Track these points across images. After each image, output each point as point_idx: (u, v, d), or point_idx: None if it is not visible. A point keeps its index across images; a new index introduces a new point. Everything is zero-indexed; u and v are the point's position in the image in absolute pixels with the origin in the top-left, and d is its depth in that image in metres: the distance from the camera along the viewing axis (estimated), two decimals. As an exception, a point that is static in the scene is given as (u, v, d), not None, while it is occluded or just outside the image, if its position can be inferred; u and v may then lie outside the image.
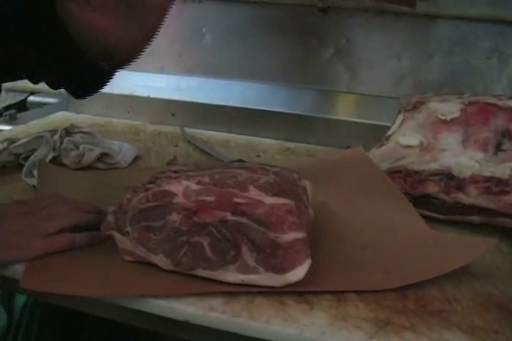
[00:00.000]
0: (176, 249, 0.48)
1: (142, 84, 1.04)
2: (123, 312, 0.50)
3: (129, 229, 0.50)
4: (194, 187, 0.49)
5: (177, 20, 1.00)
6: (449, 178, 0.63)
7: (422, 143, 0.69)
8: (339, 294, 0.48)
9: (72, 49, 0.58)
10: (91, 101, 1.04)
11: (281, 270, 0.46)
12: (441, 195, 0.63)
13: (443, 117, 0.69)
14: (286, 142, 0.97)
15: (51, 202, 0.57)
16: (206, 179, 0.50)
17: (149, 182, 0.52)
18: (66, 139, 0.79)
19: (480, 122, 0.67)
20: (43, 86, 0.71)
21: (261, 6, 0.96)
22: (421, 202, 0.64)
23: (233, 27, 0.99)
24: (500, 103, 0.67)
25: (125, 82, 1.01)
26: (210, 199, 0.47)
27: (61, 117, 1.07)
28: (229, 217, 0.46)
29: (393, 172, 0.66)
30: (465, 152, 0.65)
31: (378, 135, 0.76)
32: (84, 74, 0.62)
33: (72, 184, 0.71)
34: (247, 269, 0.46)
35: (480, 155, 0.64)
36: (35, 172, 0.72)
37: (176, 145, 0.93)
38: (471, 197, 0.61)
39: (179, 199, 0.48)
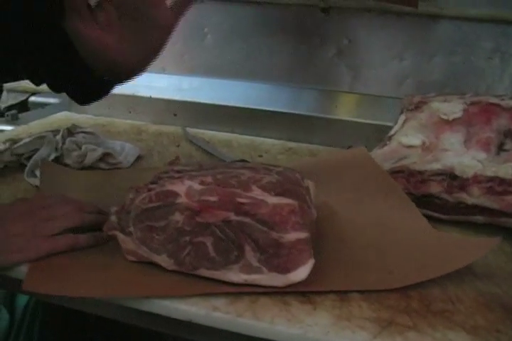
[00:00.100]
0: (179, 249, 0.48)
1: (144, 84, 1.04)
2: (126, 312, 0.50)
3: (131, 229, 0.50)
4: (197, 187, 0.49)
5: (179, 20, 1.00)
6: (451, 178, 0.62)
7: (424, 143, 0.69)
8: (342, 294, 0.48)
9: (77, 62, 0.58)
10: (93, 102, 1.04)
11: (285, 270, 0.46)
12: (444, 195, 0.63)
13: (445, 117, 0.69)
14: (289, 142, 0.97)
15: (54, 202, 0.57)
16: (209, 179, 0.50)
17: (152, 182, 0.52)
18: (68, 139, 0.79)
19: (482, 122, 0.67)
20: (44, 86, 0.71)
21: (263, 6, 0.96)
22: (423, 201, 0.64)
23: (235, 27, 0.99)
24: (502, 103, 0.67)
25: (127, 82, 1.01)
26: (213, 199, 0.47)
27: (63, 117, 1.07)
28: (232, 216, 0.46)
29: (395, 172, 0.66)
30: (467, 152, 0.65)
31: (380, 135, 0.76)
32: (87, 83, 0.62)
33: (74, 184, 0.71)
34: (250, 269, 0.46)
35: (482, 155, 0.64)
36: (37, 173, 0.72)
37: (178, 146, 0.93)
38: (474, 197, 0.61)
39: (182, 200, 0.48)
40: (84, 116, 1.07)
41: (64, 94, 0.66)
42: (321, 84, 0.98)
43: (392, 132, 0.73)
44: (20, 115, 1.08)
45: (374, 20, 0.91)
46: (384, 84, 0.94)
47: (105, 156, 0.79)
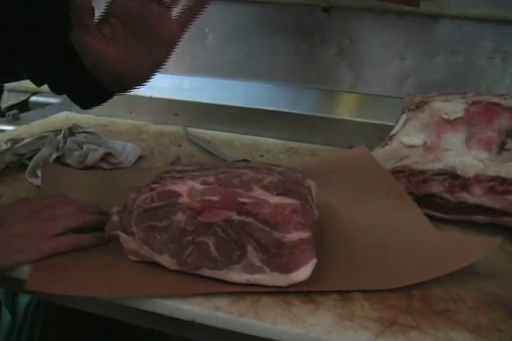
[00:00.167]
0: (182, 249, 0.48)
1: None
2: (128, 312, 0.50)
3: (134, 229, 0.50)
4: (199, 187, 0.49)
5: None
6: (453, 178, 0.62)
7: (425, 142, 0.69)
8: (344, 293, 0.48)
9: (79, 69, 0.59)
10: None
11: (287, 270, 0.46)
12: (446, 195, 0.63)
13: (447, 117, 0.69)
14: (290, 142, 0.97)
15: (56, 202, 0.57)
16: (211, 179, 0.50)
17: (154, 182, 0.52)
18: (70, 139, 0.79)
19: (484, 122, 0.67)
20: (45, 86, 0.71)
21: (264, 5, 0.96)
22: (425, 201, 0.64)
23: (236, 27, 0.99)
24: (504, 102, 0.67)
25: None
26: (215, 199, 0.47)
27: (64, 117, 1.07)
28: (234, 216, 0.47)
29: (397, 172, 0.66)
30: (469, 151, 0.65)
31: (382, 135, 0.76)
32: (88, 88, 0.63)
33: (76, 184, 0.71)
34: (252, 269, 0.46)
35: (484, 155, 0.64)
36: (38, 173, 0.72)
37: (180, 145, 0.93)
38: (476, 196, 0.61)
39: (184, 199, 0.48)
40: (86, 116, 1.07)
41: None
42: (322, 83, 0.98)
43: (393, 132, 0.73)
44: (21, 115, 1.08)
45: (375, 20, 0.91)
46: (385, 83, 0.94)
47: (107, 156, 0.79)
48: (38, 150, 0.77)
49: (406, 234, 0.57)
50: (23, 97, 1.42)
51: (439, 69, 0.91)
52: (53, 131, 0.81)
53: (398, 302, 0.47)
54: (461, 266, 0.49)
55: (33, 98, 1.26)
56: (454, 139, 0.67)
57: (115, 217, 0.52)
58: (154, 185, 0.51)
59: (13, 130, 0.98)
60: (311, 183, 0.58)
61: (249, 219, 0.46)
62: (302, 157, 0.89)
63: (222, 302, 0.46)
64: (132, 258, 0.51)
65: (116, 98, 0.66)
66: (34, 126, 1.00)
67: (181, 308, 0.46)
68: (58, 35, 0.57)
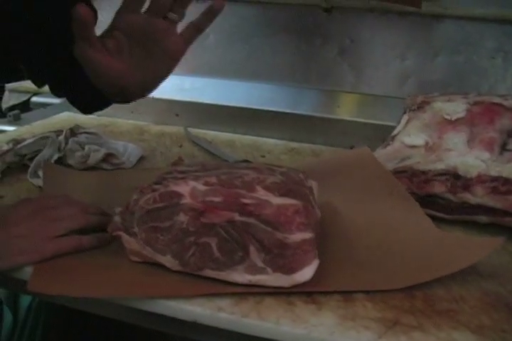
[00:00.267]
0: (184, 250, 0.48)
1: (146, 84, 1.04)
2: (130, 312, 0.50)
3: (136, 229, 0.50)
4: (201, 187, 0.49)
5: (180, 20, 1.01)
6: (455, 178, 0.62)
7: (427, 143, 0.69)
8: (347, 294, 0.48)
9: (83, 81, 0.59)
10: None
11: (290, 270, 0.46)
12: (448, 195, 0.63)
13: (448, 117, 0.69)
14: (291, 142, 0.97)
15: (58, 203, 0.57)
16: (213, 179, 0.50)
17: (156, 183, 0.52)
18: (71, 140, 0.79)
19: (485, 122, 0.67)
20: (46, 87, 0.72)
21: (265, 6, 0.96)
22: (427, 201, 0.64)
23: (237, 27, 0.99)
24: (505, 103, 0.67)
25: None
26: (217, 199, 0.47)
27: (65, 117, 1.07)
28: (236, 217, 0.47)
29: (399, 172, 0.66)
30: (471, 152, 0.65)
31: (383, 135, 0.76)
32: (89, 96, 0.63)
33: (77, 184, 0.71)
34: (255, 270, 0.46)
35: (486, 155, 0.64)
36: (40, 173, 0.72)
37: (181, 146, 0.93)
38: (478, 196, 0.61)
39: (186, 200, 0.48)
40: (87, 117, 1.05)
41: (65, 95, 0.67)
42: (323, 84, 0.98)
43: (395, 132, 0.73)
44: (22, 115, 1.08)
45: (377, 20, 0.91)
46: (386, 84, 0.94)
47: (108, 157, 0.79)
48: (40, 150, 0.77)
49: (408, 234, 0.57)
50: (24, 98, 1.42)
51: (440, 70, 0.91)
52: (55, 132, 0.81)
53: (400, 303, 0.47)
54: (463, 266, 0.49)
55: (34, 98, 1.26)
56: (456, 139, 0.67)
57: (117, 218, 0.52)
58: (156, 186, 0.51)
59: (14, 130, 0.98)
60: (313, 184, 0.58)
61: (251, 220, 0.46)
62: (304, 157, 0.89)
63: (225, 303, 0.46)
64: (134, 259, 0.51)
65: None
66: (35, 127, 1.00)
67: (184, 309, 0.46)
68: (62, 47, 0.57)
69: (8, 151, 0.76)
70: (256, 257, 0.46)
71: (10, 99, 1.45)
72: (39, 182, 0.71)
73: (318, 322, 0.44)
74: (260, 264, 0.46)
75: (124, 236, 0.51)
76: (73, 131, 0.82)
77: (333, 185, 0.66)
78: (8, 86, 1.44)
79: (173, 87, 1.04)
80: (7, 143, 0.78)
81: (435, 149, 0.67)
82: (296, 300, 0.47)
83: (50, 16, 0.61)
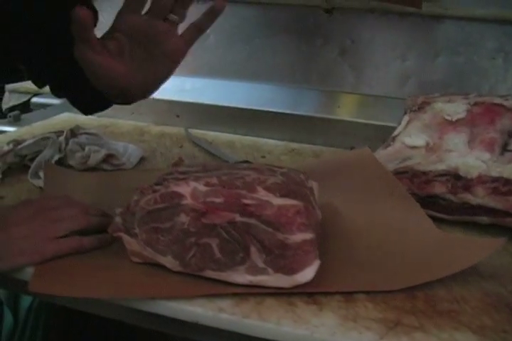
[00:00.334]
0: (185, 251, 0.48)
1: (146, 85, 1.04)
2: (131, 313, 0.50)
3: (137, 230, 0.50)
4: (202, 188, 0.49)
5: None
6: (455, 179, 0.62)
7: (428, 143, 0.69)
8: (348, 295, 0.48)
9: (83, 82, 0.59)
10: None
11: (290, 271, 0.46)
12: (449, 196, 0.63)
13: (449, 118, 0.69)
14: (291, 143, 0.97)
15: (59, 204, 0.57)
16: (214, 180, 0.50)
17: (156, 184, 0.52)
18: (72, 140, 0.79)
19: (486, 122, 0.67)
20: (47, 88, 0.72)
21: (265, 6, 0.96)
22: (428, 202, 0.64)
23: (238, 28, 0.99)
24: (506, 103, 0.67)
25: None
26: (218, 200, 0.47)
27: (66, 118, 1.07)
28: (237, 218, 0.46)
29: (400, 173, 0.66)
30: (471, 152, 0.65)
31: (383, 136, 0.76)
32: (90, 97, 0.63)
33: (78, 185, 0.71)
34: (256, 270, 0.46)
35: (486, 156, 0.64)
36: (41, 174, 0.72)
37: (181, 147, 0.93)
38: (479, 197, 0.61)
39: (187, 201, 0.48)
40: (87, 117, 1.05)
41: (66, 96, 0.68)
42: (324, 84, 0.98)
43: (395, 133, 0.73)
44: (22, 116, 1.08)
45: (377, 21, 0.91)
46: (387, 84, 0.94)
47: (108, 157, 0.79)
48: (40, 151, 0.77)
49: (409, 234, 0.57)
50: (24, 98, 1.42)
51: (441, 70, 0.91)
52: (55, 133, 0.81)
53: (402, 303, 0.47)
54: (464, 267, 0.49)
55: (35, 99, 1.26)
56: (457, 140, 0.67)
57: (118, 219, 0.52)
58: (157, 187, 0.51)
59: (14, 131, 0.98)
60: (314, 184, 0.58)
61: (252, 221, 0.46)
62: (304, 158, 0.89)
63: (226, 303, 0.46)
64: (135, 259, 0.51)
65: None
66: (36, 127, 1.00)
67: (185, 310, 0.46)
68: (62, 48, 0.57)
69: (8, 152, 0.76)
70: (257, 258, 0.46)
71: (10, 100, 1.45)
72: (40, 182, 0.71)
73: (319, 322, 0.44)
74: (261, 265, 0.46)
75: (125, 237, 0.51)
76: (73, 132, 0.82)
77: (333, 185, 0.66)
78: (8, 87, 1.44)
79: (173, 88, 1.04)
80: (7, 143, 0.78)
81: (436, 150, 0.67)
82: (297, 300, 0.46)
83: (50, 17, 0.61)
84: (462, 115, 0.68)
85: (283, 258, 0.46)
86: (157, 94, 1.04)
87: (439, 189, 0.63)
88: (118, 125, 1.04)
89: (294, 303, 0.46)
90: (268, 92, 0.99)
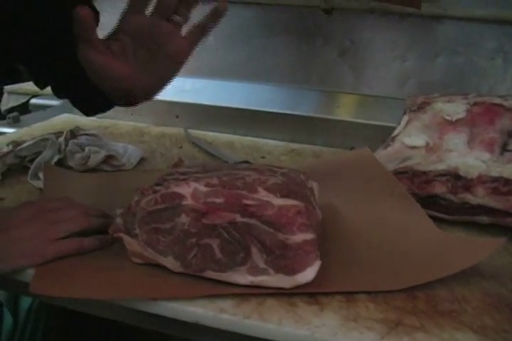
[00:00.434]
0: (186, 251, 0.48)
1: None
2: (132, 314, 0.50)
3: (137, 231, 0.50)
4: (202, 188, 0.49)
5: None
6: (456, 179, 0.62)
7: (427, 143, 0.69)
8: (349, 295, 0.48)
9: (85, 82, 0.59)
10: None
11: (291, 271, 0.46)
12: (449, 196, 0.63)
13: (448, 118, 0.69)
14: (291, 143, 0.96)
15: (60, 206, 0.57)
16: (214, 181, 0.50)
17: (157, 184, 0.52)
18: (71, 141, 0.79)
19: (486, 122, 0.67)
20: (47, 89, 0.72)
21: (265, 7, 0.96)
22: (428, 202, 0.64)
23: (238, 28, 0.99)
24: (505, 103, 0.67)
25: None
26: (218, 201, 0.47)
27: (65, 119, 1.07)
28: (238, 218, 0.46)
29: (400, 173, 0.66)
30: (471, 152, 0.65)
31: (383, 136, 0.76)
32: (92, 98, 0.63)
33: (77, 186, 0.71)
34: (256, 271, 0.46)
35: (486, 156, 0.64)
36: (40, 175, 0.72)
37: (181, 147, 0.93)
38: (479, 197, 0.61)
39: (188, 201, 0.48)
40: (87, 118, 1.06)
41: (66, 96, 0.67)
42: (324, 85, 0.98)
43: (395, 133, 0.73)
44: (21, 117, 1.08)
45: (377, 21, 0.91)
46: (386, 84, 0.94)
47: (108, 158, 0.79)
48: (40, 152, 0.77)
49: (409, 234, 0.57)
50: (23, 99, 1.42)
51: (440, 70, 0.91)
52: (54, 134, 0.81)
53: (403, 304, 0.47)
54: (464, 267, 0.49)
55: (33, 100, 1.26)
56: (456, 140, 0.67)
57: (119, 220, 0.52)
58: (157, 187, 0.51)
59: (14, 132, 0.98)
60: (314, 184, 0.58)
61: (253, 221, 0.46)
62: (304, 158, 0.89)
63: (227, 304, 0.46)
64: (136, 260, 0.51)
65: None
66: (35, 129, 1.00)
67: (185, 310, 0.46)
68: (63, 49, 0.57)
69: (8, 153, 0.76)
70: (258, 258, 0.46)
71: (9, 101, 1.45)
72: (39, 184, 0.71)
73: (320, 323, 0.44)
74: (262, 265, 0.46)
75: (126, 238, 0.51)
76: (73, 133, 0.82)
77: (333, 185, 0.66)
78: (7, 88, 1.44)
79: (173, 89, 1.03)
80: (7, 145, 0.78)
81: (436, 150, 0.67)
82: (298, 301, 0.46)
83: (51, 17, 0.61)
84: (462, 115, 0.68)
85: (284, 259, 0.46)
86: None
87: (439, 189, 0.63)
88: (118, 126, 1.04)
89: (295, 304, 0.46)
90: (268, 93, 0.99)
